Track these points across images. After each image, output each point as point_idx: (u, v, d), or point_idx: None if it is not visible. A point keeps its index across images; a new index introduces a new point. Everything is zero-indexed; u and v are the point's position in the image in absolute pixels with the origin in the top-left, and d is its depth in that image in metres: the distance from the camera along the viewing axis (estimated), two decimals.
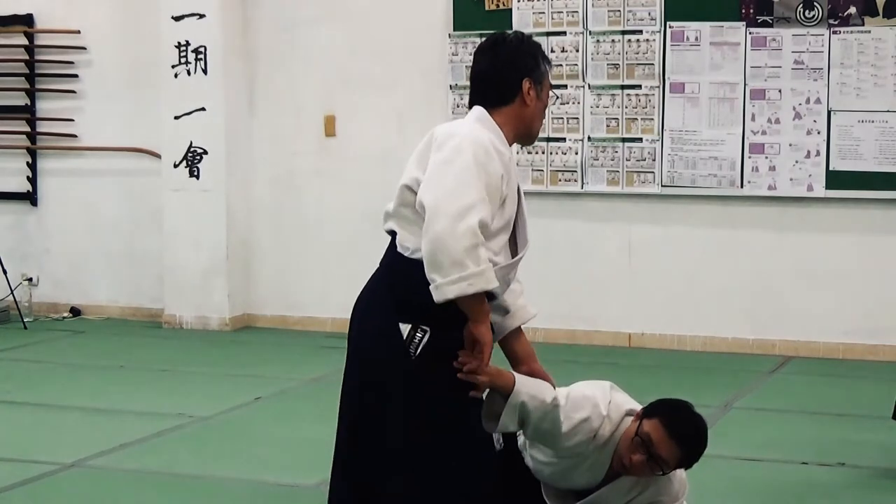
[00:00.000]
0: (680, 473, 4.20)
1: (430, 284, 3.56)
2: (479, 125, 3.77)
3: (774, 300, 8.47)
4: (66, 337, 9.28)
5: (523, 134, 3.91)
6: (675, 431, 4.04)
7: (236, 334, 9.35)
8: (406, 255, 3.73)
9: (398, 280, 3.75)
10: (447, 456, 3.70)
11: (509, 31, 4.08)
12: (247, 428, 6.67)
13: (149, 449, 6.23)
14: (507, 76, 3.85)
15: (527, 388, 3.86)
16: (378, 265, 3.88)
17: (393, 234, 3.80)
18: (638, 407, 4.18)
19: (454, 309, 3.59)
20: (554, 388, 3.98)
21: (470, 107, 3.89)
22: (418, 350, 3.70)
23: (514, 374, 3.88)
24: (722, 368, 8.07)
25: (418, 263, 3.62)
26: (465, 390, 3.68)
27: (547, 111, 4.05)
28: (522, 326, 4.11)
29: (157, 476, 5.77)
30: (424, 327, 3.69)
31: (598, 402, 4.06)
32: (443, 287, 3.54)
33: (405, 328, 3.70)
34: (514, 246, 3.89)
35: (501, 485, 3.90)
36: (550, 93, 3.98)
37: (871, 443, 6.20)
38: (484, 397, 3.80)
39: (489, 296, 3.75)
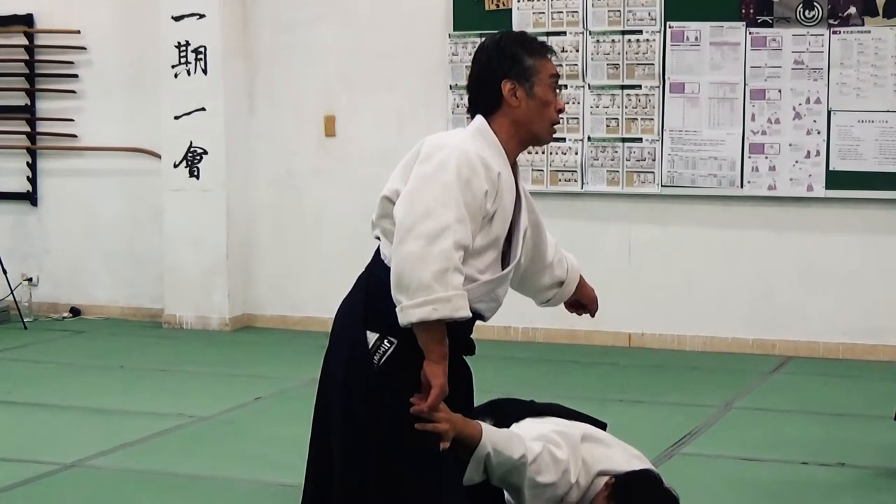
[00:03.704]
0: None
1: (395, 302, 3.48)
2: (472, 138, 3.67)
3: (774, 300, 8.48)
4: (65, 337, 9.29)
5: (526, 137, 3.79)
6: None
7: (236, 334, 9.36)
8: (386, 262, 3.64)
9: (375, 287, 3.67)
10: (402, 471, 3.60)
11: (492, 34, 3.93)
12: (247, 428, 6.68)
13: (149, 449, 6.24)
14: (486, 83, 3.74)
15: (494, 441, 3.74)
16: (364, 268, 3.82)
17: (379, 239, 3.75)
18: (611, 465, 4.02)
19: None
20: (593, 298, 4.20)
21: (472, 116, 3.79)
22: (382, 360, 3.60)
23: (483, 425, 3.75)
24: (722, 368, 8.08)
25: None
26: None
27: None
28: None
29: (157, 476, 5.78)
30: (392, 339, 3.59)
31: (569, 469, 3.91)
32: (407, 310, 3.45)
33: (372, 337, 3.61)
34: (507, 261, 3.79)
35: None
36: (555, 84, 3.81)
37: (871, 443, 6.21)
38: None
39: (478, 315, 3.70)
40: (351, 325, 3.70)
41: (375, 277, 3.69)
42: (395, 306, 3.52)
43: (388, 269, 3.59)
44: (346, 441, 3.66)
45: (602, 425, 4.27)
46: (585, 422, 4.22)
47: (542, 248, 4.05)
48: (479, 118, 3.74)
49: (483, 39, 3.93)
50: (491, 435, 3.76)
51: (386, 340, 3.61)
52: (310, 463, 3.85)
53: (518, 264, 3.85)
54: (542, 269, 4.10)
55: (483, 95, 3.75)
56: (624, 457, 4.10)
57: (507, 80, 3.71)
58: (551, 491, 3.89)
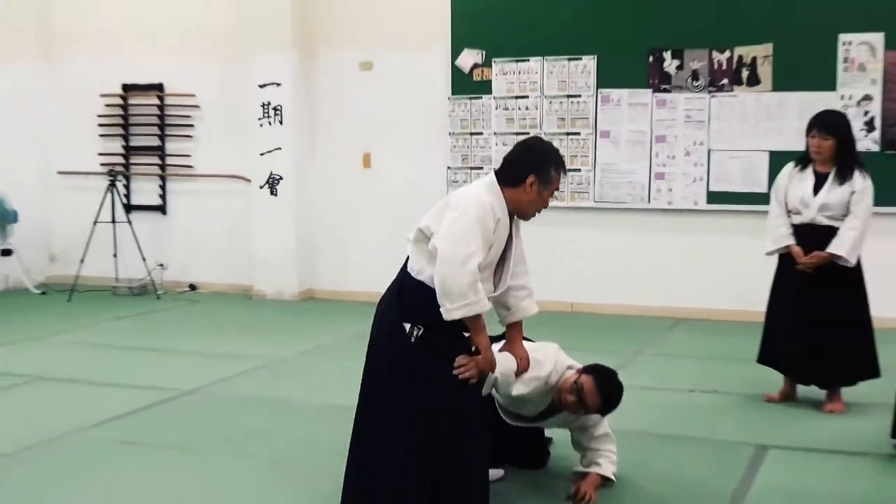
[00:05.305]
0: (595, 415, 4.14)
1: (440, 306, 3.50)
2: (485, 190, 3.64)
3: (671, 278, 8.51)
4: (185, 305, 9.34)
5: (516, 210, 3.73)
6: (601, 389, 4.00)
7: (302, 303, 9.39)
8: (412, 274, 3.65)
9: (405, 292, 3.68)
10: (431, 408, 3.61)
11: (542, 139, 3.84)
12: (310, 367, 6.73)
13: (242, 380, 6.29)
14: (521, 166, 3.67)
15: (501, 366, 3.80)
16: (397, 273, 3.79)
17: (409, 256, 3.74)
18: (577, 364, 4.12)
19: (440, 317, 3.53)
20: (525, 358, 3.94)
21: (496, 173, 3.73)
22: (414, 339, 3.62)
23: (494, 355, 3.74)
24: (634, 327, 8.10)
25: (419, 283, 3.59)
26: (447, 364, 3.61)
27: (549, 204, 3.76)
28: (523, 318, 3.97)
29: (248, 398, 5.83)
30: (420, 326, 3.61)
31: (549, 362, 4.01)
32: (451, 311, 3.50)
33: (407, 326, 3.62)
34: (498, 280, 3.77)
35: (484, 414, 3.81)
36: (554, 194, 3.76)
37: (736, 377, 6.25)
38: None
39: None
40: (391, 319, 3.69)
41: (406, 286, 3.69)
42: (420, 305, 3.56)
43: (414, 279, 3.62)
44: (391, 391, 3.66)
45: None
46: None
47: (515, 270, 3.88)
48: (492, 176, 3.71)
49: (536, 137, 3.86)
50: (498, 361, 3.77)
51: (416, 328, 3.62)
52: (359, 407, 3.81)
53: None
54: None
55: (512, 171, 3.69)
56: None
57: (534, 174, 3.66)
58: (539, 381, 3.97)
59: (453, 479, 3.60)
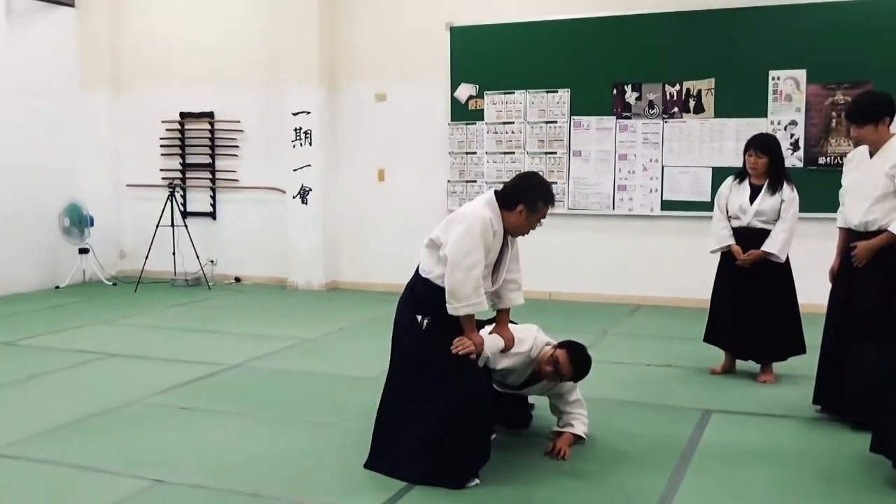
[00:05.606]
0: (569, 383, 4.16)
1: (447, 304, 3.58)
2: (485, 206, 3.68)
3: (632, 271, 8.51)
4: (232, 294, 9.32)
5: (508, 230, 3.76)
6: (573, 360, 4.00)
7: (328, 293, 9.39)
8: (423, 275, 3.72)
9: (418, 292, 3.75)
10: (438, 377, 3.69)
11: (538, 174, 3.85)
12: (334, 345, 6.72)
13: (279, 356, 6.29)
14: (514, 194, 3.70)
15: (491, 345, 3.86)
16: (412, 274, 3.85)
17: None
18: (553, 341, 4.14)
19: (444, 310, 3.61)
20: (511, 339, 3.97)
21: (495, 192, 3.76)
22: (424, 326, 3.70)
23: (483, 338, 3.82)
24: (601, 312, 8.10)
25: (429, 282, 3.66)
26: (451, 353, 3.67)
27: (536, 228, 3.76)
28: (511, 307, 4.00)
29: (284, 371, 5.84)
30: (429, 317, 3.69)
31: (530, 339, 4.04)
32: (458, 309, 3.58)
33: (419, 316, 3.71)
34: (495, 277, 3.82)
35: (484, 384, 3.86)
36: (541, 221, 3.75)
37: (686, 353, 6.25)
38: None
39: None
40: (407, 312, 3.77)
41: (418, 286, 3.75)
42: (430, 300, 3.62)
43: (427, 280, 3.68)
44: (406, 377, 3.74)
45: None
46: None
47: (509, 268, 3.93)
48: (491, 194, 3.74)
49: (534, 172, 3.87)
50: (486, 343, 3.82)
51: (426, 318, 3.70)
52: (386, 387, 3.89)
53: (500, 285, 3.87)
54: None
55: (508, 197, 3.73)
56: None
57: (523, 203, 3.70)
58: (524, 354, 3.99)
59: (453, 469, 3.65)
